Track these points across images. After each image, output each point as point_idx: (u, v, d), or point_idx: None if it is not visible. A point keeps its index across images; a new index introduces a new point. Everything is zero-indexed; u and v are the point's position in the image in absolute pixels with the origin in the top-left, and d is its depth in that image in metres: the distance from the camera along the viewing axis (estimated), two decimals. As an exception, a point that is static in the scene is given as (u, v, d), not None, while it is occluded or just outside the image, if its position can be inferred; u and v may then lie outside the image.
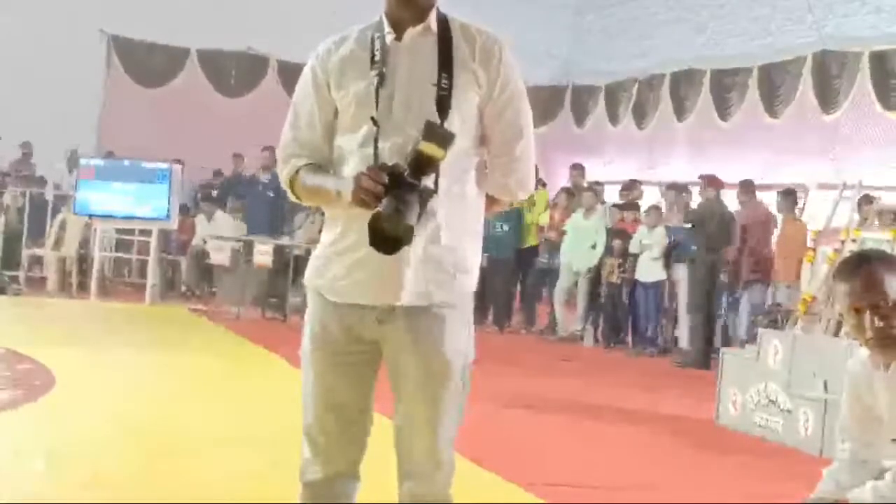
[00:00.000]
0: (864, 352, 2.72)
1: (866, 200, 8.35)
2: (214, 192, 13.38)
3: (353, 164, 2.29)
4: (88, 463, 4.49)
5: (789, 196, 10.25)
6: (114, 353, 7.62)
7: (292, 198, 2.47)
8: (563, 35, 15.86)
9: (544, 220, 11.27)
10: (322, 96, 2.36)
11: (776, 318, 8.86)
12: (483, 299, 10.80)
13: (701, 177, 9.97)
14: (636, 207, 10.71)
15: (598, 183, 12.14)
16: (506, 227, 10.92)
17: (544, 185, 11.72)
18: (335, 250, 2.36)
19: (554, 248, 10.93)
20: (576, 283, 10.61)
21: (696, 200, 10.77)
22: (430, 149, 2.14)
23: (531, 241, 11.32)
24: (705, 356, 9.21)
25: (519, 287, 11.76)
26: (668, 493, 4.75)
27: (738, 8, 13.49)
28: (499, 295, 11.23)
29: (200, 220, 12.71)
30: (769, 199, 10.64)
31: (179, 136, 13.09)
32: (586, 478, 4.92)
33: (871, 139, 11.25)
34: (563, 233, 10.83)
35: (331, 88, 2.35)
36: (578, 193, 11.52)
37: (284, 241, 11.17)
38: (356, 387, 2.41)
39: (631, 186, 11.41)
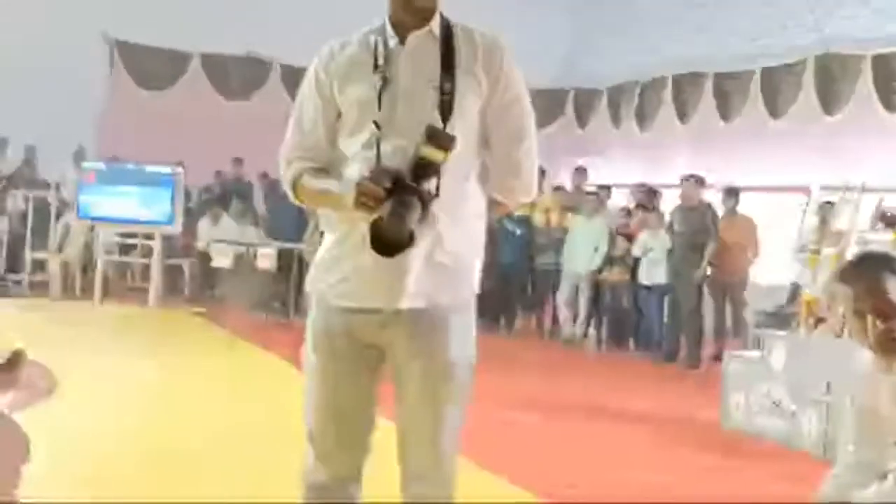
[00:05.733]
0: (867, 354, 2.72)
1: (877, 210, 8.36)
2: (208, 196, 13.44)
3: (355, 167, 2.29)
4: (91, 464, 4.50)
5: (731, 195, 10.33)
6: (116, 356, 7.63)
7: (295, 201, 2.48)
8: (565, 37, 15.84)
9: (539, 221, 11.26)
10: (325, 99, 2.37)
11: (779, 320, 8.89)
12: (493, 302, 10.86)
13: (690, 177, 9.96)
14: (654, 209, 10.65)
15: (604, 186, 12.12)
16: (518, 232, 10.95)
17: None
18: (337, 254, 2.37)
19: (558, 250, 10.90)
20: (578, 286, 10.61)
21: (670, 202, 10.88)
22: (431, 152, 2.14)
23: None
24: (696, 356, 9.46)
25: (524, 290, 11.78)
26: (672, 495, 4.74)
27: (740, 10, 13.48)
28: (510, 298, 11.31)
29: (203, 223, 12.73)
30: (772, 202, 10.66)
31: (182, 139, 13.08)
32: (589, 479, 4.92)
33: (873, 141, 11.24)
34: (564, 230, 10.85)
35: (334, 91, 2.35)
36: (579, 195, 11.54)
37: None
38: (359, 390, 2.41)
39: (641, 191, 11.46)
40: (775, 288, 10.54)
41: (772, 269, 10.64)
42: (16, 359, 1.07)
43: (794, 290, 9.91)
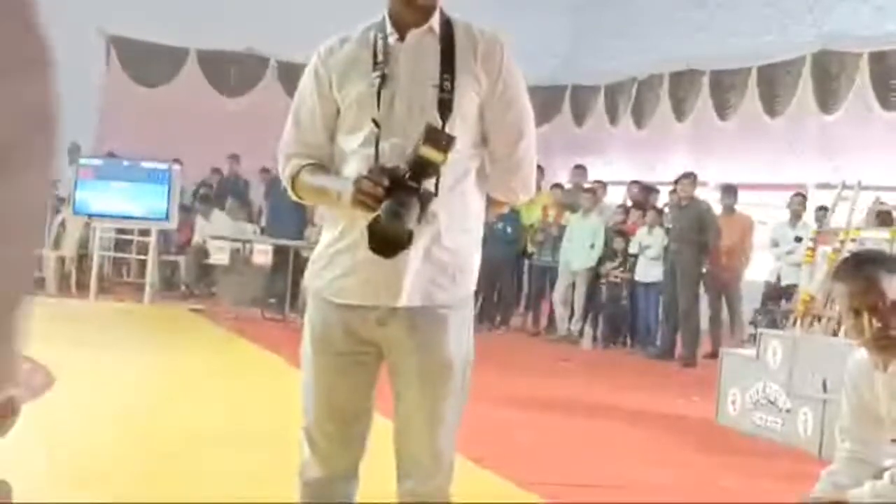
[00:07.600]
0: (863, 352, 2.73)
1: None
2: (205, 192, 13.42)
3: (353, 165, 2.29)
4: (88, 462, 4.49)
5: (728, 192, 10.35)
6: (113, 353, 7.61)
7: (293, 197, 2.48)
8: (563, 35, 15.83)
9: (535, 218, 11.26)
10: (324, 96, 2.36)
11: (775, 317, 8.90)
12: (487, 300, 10.88)
13: (685, 175, 9.97)
14: (652, 207, 10.65)
15: (599, 182, 12.14)
16: (508, 230, 10.95)
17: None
18: (335, 251, 2.36)
19: (555, 246, 10.90)
20: (574, 283, 10.62)
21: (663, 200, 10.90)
22: (430, 152, 2.13)
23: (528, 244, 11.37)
24: (692, 353, 9.53)
25: (519, 288, 11.80)
26: (668, 492, 4.75)
27: (737, 8, 13.48)
28: (503, 296, 11.31)
29: (200, 219, 12.72)
30: (769, 200, 10.68)
31: (178, 136, 13.08)
32: (586, 477, 4.92)
33: (870, 139, 11.25)
34: (562, 227, 10.85)
35: (333, 88, 2.34)
36: (576, 192, 11.55)
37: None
38: (356, 387, 2.41)
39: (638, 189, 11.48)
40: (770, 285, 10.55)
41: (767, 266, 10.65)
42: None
43: (773, 288, 10.01)
